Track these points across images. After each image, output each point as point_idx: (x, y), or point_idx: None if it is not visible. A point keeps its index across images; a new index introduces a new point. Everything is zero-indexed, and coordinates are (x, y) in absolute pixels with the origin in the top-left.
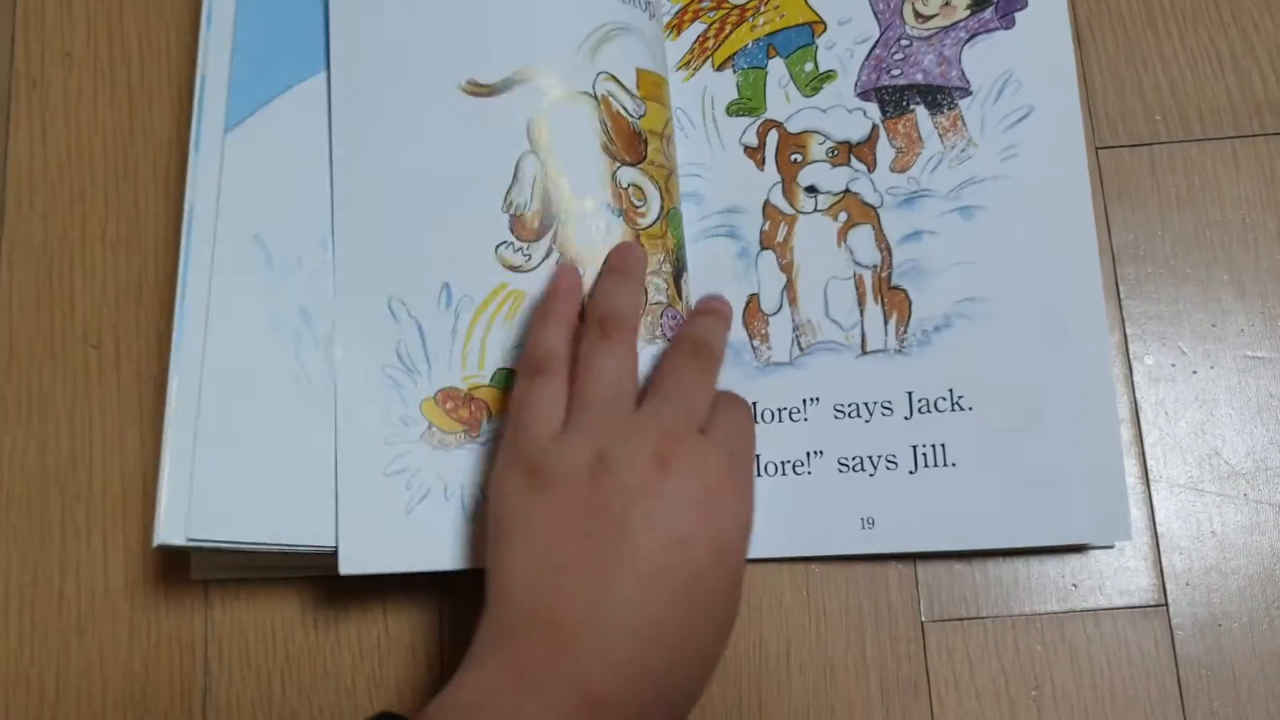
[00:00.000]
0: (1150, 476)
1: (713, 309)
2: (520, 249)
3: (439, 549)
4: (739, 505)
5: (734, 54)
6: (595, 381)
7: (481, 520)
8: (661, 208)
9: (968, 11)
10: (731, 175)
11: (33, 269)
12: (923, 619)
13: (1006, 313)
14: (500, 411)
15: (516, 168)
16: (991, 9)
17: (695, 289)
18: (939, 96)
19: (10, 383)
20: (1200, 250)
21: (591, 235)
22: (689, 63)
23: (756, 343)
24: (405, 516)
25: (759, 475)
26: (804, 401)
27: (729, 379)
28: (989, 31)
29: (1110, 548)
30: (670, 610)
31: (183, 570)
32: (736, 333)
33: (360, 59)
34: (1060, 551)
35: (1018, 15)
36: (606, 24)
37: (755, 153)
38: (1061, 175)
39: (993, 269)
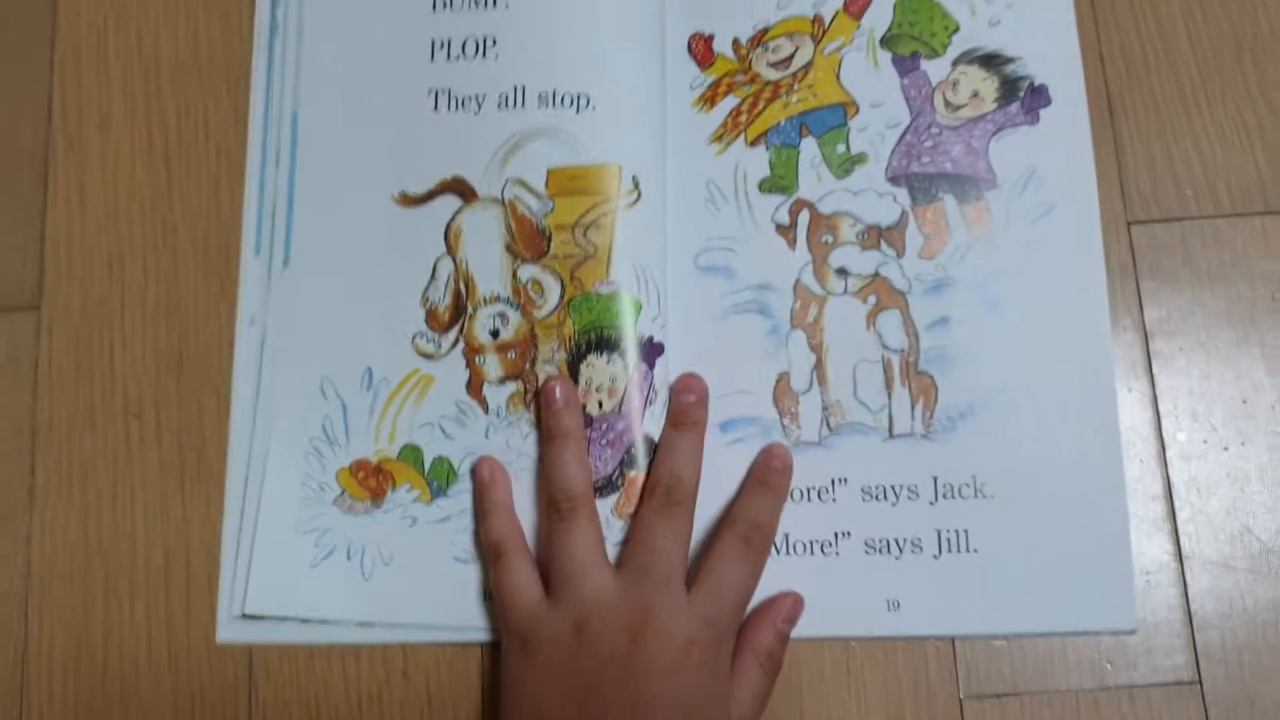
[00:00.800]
0: (1183, 553)
1: (688, 389)
2: (432, 339)
3: (336, 602)
4: (706, 669)
5: (767, 131)
6: (565, 558)
7: (375, 582)
8: (562, 297)
9: (995, 104)
10: (762, 252)
11: (72, 337)
12: (961, 695)
13: (1025, 403)
14: (403, 482)
15: (434, 268)
16: (1018, 104)
17: (726, 364)
18: (967, 187)
19: (51, 453)
20: (1231, 326)
21: (492, 326)
22: (722, 136)
23: (786, 421)
24: (310, 570)
25: (787, 554)
26: (833, 482)
27: None
28: (1015, 126)
29: (1132, 633)
30: None
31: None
32: (766, 410)
33: (320, 171)
34: (1073, 634)
35: (1042, 112)
36: (521, 132)
37: (787, 231)
38: (1078, 272)
39: (1013, 359)
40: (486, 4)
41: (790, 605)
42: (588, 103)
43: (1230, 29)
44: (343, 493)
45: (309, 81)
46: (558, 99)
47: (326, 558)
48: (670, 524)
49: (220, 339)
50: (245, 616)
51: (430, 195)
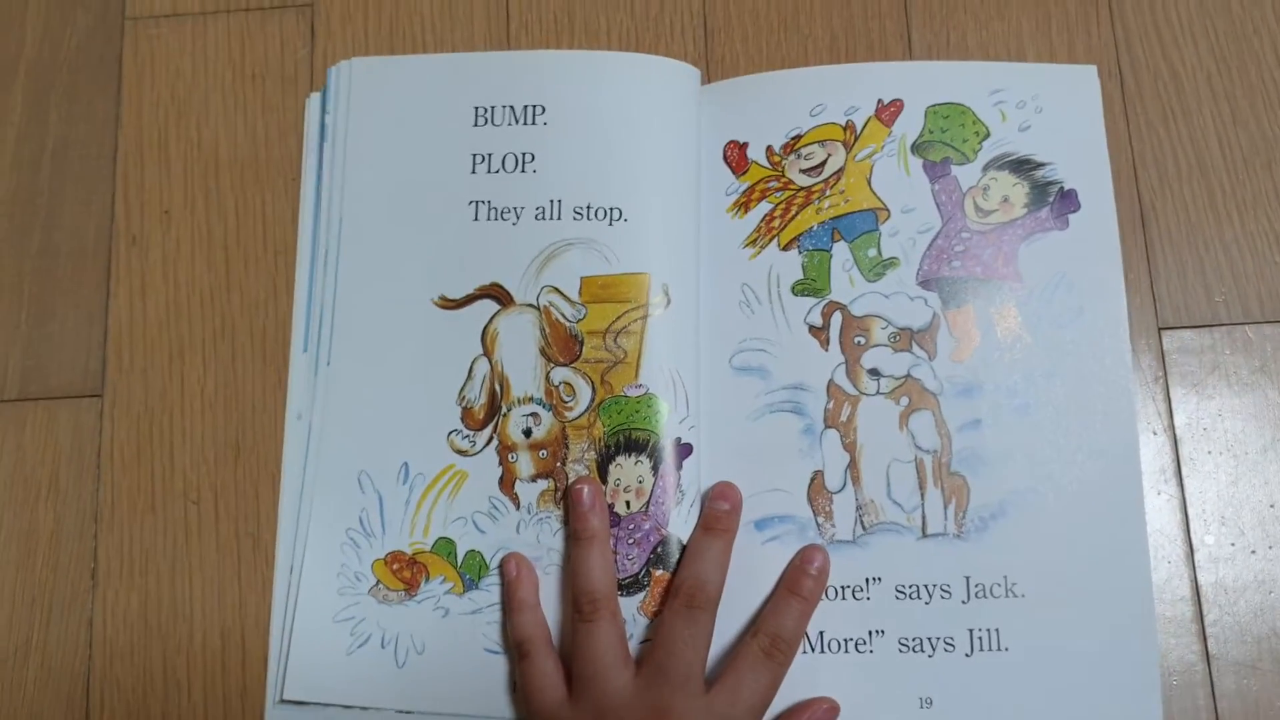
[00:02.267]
0: (1210, 655)
1: (723, 497)
2: (467, 436)
3: (371, 690)
4: None
5: (800, 235)
6: (586, 659)
7: (408, 671)
8: (592, 400)
9: (1025, 209)
10: (796, 353)
11: (133, 425)
12: None
13: (1055, 504)
14: (436, 574)
15: (471, 368)
16: (1047, 209)
17: (761, 462)
18: (997, 291)
19: (113, 536)
20: (1260, 433)
21: (525, 425)
22: (755, 240)
23: (821, 519)
24: (346, 658)
25: (822, 651)
26: (867, 581)
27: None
28: (1044, 231)
29: None
30: None
31: None
32: (801, 508)
33: (364, 273)
34: None
35: (1071, 217)
36: (556, 242)
37: (820, 332)
38: (1107, 375)
39: (1044, 461)
40: (526, 121)
41: (825, 712)
42: (620, 215)
43: (1262, 139)
44: (378, 583)
45: (355, 187)
46: (592, 212)
47: (361, 646)
48: (691, 628)
49: (275, 428)
50: (285, 701)
51: (469, 300)
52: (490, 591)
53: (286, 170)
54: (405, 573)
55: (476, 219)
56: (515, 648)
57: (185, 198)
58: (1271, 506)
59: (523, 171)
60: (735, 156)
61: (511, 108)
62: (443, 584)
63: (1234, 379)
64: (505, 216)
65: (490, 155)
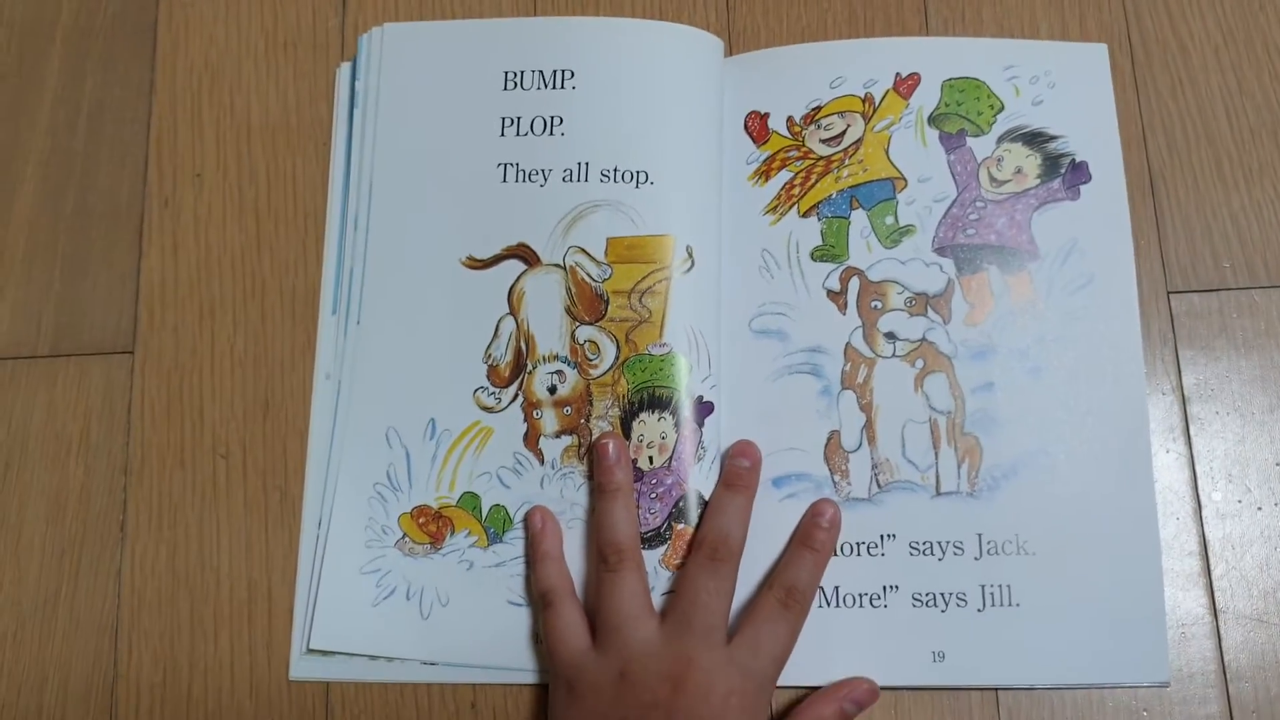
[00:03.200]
0: (1218, 608)
1: (744, 454)
2: (493, 393)
3: (395, 640)
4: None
5: (819, 203)
6: (611, 609)
7: (433, 622)
8: (617, 357)
9: (1038, 180)
10: (814, 317)
11: (164, 381)
12: None
13: (1065, 464)
14: (461, 528)
15: (497, 326)
16: (1059, 179)
17: (779, 422)
18: (1010, 258)
19: (142, 489)
20: (1265, 393)
21: (550, 383)
22: (775, 207)
23: (837, 478)
24: (371, 609)
25: (837, 606)
26: (881, 537)
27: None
28: (1057, 201)
29: (1165, 685)
30: None
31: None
32: (818, 467)
33: (393, 234)
34: (1110, 686)
35: (1083, 188)
36: (582, 204)
37: (837, 297)
38: (1117, 339)
39: (1054, 423)
40: (555, 85)
41: (864, 692)
42: (646, 178)
43: (1268, 109)
44: (404, 536)
45: (385, 150)
46: (619, 175)
47: (387, 598)
48: (714, 580)
49: (303, 386)
50: (312, 651)
51: (496, 260)
52: (514, 545)
53: (317, 135)
54: (431, 526)
55: (505, 180)
56: (539, 598)
57: (218, 162)
58: (1277, 464)
59: (551, 134)
60: (756, 126)
61: (541, 73)
62: (467, 537)
63: (1240, 341)
64: (533, 178)
65: (519, 119)
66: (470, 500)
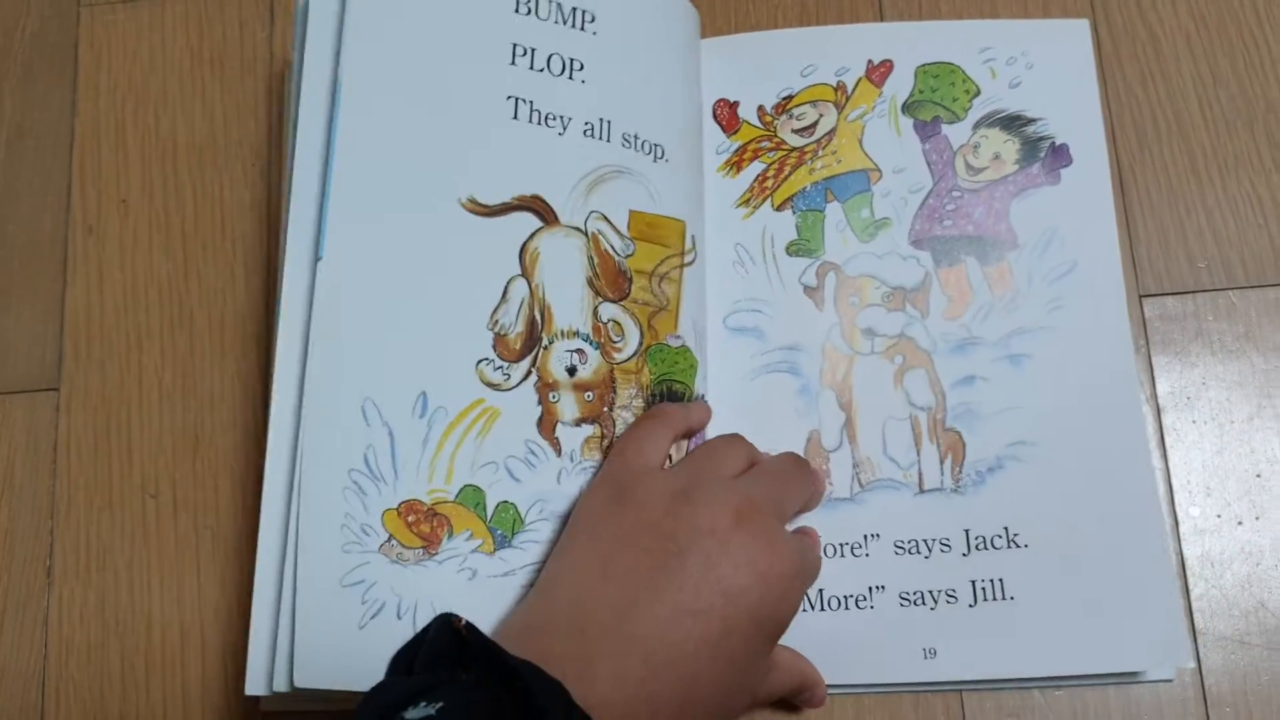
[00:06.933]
0: (1197, 629)
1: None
2: (501, 368)
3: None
4: (788, 598)
5: (793, 195)
6: (705, 453)
7: None
8: (640, 343)
9: (1016, 166)
10: (791, 313)
11: (91, 418)
12: None
13: (1055, 455)
14: (461, 529)
15: (506, 289)
16: (1039, 164)
17: (757, 422)
18: (989, 249)
19: (69, 532)
20: (1244, 401)
21: (569, 363)
22: (749, 200)
23: None
24: (358, 632)
25: (822, 609)
26: (865, 537)
27: None
28: (1036, 187)
29: (1169, 681)
30: (692, 651)
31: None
32: None
33: (366, 158)
34: (1114, 681)
35: (1063, 172)
36: (605, 166)
37: (814, 293)
38: (1104, 327)
39: (1041, 414)
40: (574, 24)
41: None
42: (662, 154)
43: (1243, 99)
44: (390, 539)
45: (356, 58)
46: (639, 143)
47: (375, 616)
48: (799, 483)
49: (235, 418)
50: (287, 692)
51: (505, 209)
52: (526, 550)
53: (245, 156)
54: (423, 526)
55: (516, 117)
56: (651, 410)
57: (143, 186)
58: (1258, 476)
59: (570, 78)
60: (726, 115)
61: (559, 4)
62: (469, 540)
63: (1217, 346)
64: (550, 123)
65: (534, 50)
66: (472, 495)
